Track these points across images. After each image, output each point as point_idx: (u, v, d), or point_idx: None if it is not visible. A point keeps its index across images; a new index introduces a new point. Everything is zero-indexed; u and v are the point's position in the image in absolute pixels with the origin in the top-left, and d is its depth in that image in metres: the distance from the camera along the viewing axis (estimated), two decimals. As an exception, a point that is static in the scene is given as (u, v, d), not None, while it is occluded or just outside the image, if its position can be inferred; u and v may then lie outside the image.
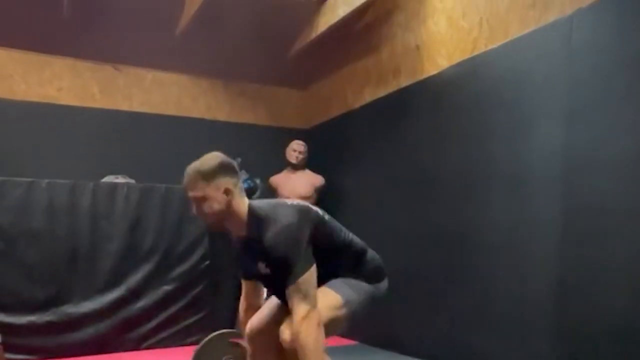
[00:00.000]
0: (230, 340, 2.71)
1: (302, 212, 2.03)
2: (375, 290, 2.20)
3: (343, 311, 2.05)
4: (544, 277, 2.90)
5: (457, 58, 3.59)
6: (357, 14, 4.42)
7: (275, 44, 4.95)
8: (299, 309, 1.92)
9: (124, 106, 4.91)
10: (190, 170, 2.02)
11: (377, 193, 4.36)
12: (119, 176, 4.53)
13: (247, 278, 2.32)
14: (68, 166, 4.46)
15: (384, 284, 2.27)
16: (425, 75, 3.88)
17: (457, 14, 3.62)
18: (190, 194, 2.02)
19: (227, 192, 2.00)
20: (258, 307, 2.32)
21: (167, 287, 4.38)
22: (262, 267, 2.08)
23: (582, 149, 2.70)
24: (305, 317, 1.91)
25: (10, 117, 4.47)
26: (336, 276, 2.13)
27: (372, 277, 2.21)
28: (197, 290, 4.49)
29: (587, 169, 2.67)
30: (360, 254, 2.21)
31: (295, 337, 1.93)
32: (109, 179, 4.47)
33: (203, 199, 2.00)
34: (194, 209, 2.06)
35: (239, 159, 4.81)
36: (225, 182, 2.00)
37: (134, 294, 4.27)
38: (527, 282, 3.00)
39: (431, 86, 3.80)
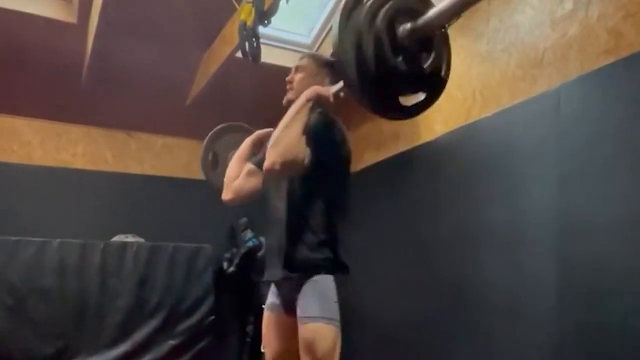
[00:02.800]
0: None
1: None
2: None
3: (338, 334, 1.91)
4: (543, 335, 2.89)
5: (453, 125, 3.71)
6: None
7: (280, 111, 5.08)
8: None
9: (135, 169, 5.01)
10: (312, 52, 2.16)
11: (377, 252, 4.37)
12: (129, 235, 4.58)
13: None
14: (80, 226, 4.51)
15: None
16: (422, 140, 3.99)
17: (451, 85, 3.73)
18: (299, 61, 2.14)
19: (320, 83, 2.03)
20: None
21: (172, 342, 4.35)
22: None
23: (574, 213, 2.75)
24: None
25: (26, 180, 4.56)
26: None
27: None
28: (202, 344, 4.45)
29: (579, 231, 2.71)
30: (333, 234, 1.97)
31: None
32: (119, 238, 4.51)
33: (302, 70, 2.11)
34: (289, 76, 2.14)
35: (245, 219, 4.87)
36: (326, 77, 2.06)
37: (141, 349, 4.23)
38: (527, 339, 2.99)
39: (428, 151, 3.90)
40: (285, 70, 4.88)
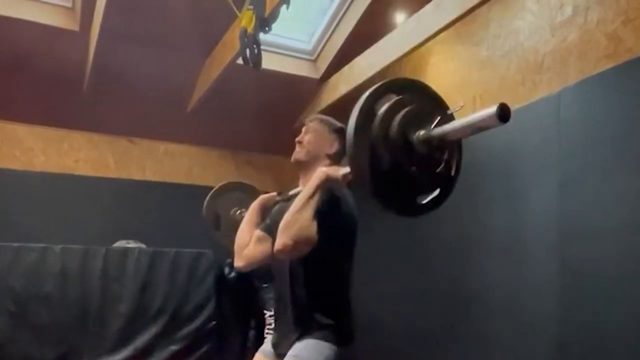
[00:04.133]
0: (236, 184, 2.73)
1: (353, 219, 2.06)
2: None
3: None
4: (544, 339, 2.87)
5: (453, 130, 3.69)
6: (357, 92, 4.57)
7: (281, 118, 5.09)
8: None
9: (138, 176, 4.98)
10: (322, 116, 2.24)
11: (378, 258, 4.34)
12: (130, 241, 4.55)
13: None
14: (82, 232, 4.48)
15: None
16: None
17: (452, 90, 3.76)
18: (308, 122, 2.19)
19: (329, 148, 2.10)
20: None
21: (174, 347, 4.31)
22: None
23: (575, 217, 2.74)
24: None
25: (28, 187, 4.52)
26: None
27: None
28: (204, 349, 4.40)
29: (580, 235, 2.70)
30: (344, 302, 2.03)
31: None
32: (120, 243, 4.49)
33: (312, 132, 2.14)
34: (300, 136, 2.17)
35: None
36: (335, 142, 2.12)
37: (142, 354, 4.19)
38: (528, 343, 2.97)
39: (429, 156, 3.87)
40: (286, 77, 4.93)
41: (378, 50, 3.97)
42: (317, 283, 1.99)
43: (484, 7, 3.24)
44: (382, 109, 1.48)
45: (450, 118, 1.51)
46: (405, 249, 4.05)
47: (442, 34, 3.37)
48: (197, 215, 4.86)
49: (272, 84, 4.66)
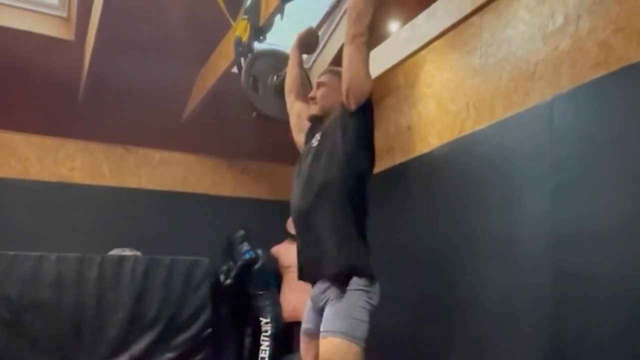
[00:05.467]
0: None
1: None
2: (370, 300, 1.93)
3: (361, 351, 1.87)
4: (539, 344, 2.87)
5: (447, 138, 3.71)
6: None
7: (276, 126, 5.07)
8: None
9: (133, 184, 4.96)
10: (332, 67, 2.31)
11: (374, 264, 4.34)
12: (126, 249, 4.53)
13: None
14: (77, 240, 4.45)
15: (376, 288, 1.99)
16: (417, 153, 3.99)
17: (445, 98, 3.77)
18: (318, 79, 2.24)
19: (342, 95, 2.09)
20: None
21: (169, 355, 4.28)
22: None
23: (569, 223, 2.74)
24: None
25: (23, 195, 4.49)
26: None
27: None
28: (199, 357, 4.38)
29: (574, 241, 2.70)
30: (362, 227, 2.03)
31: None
32: (116, 251, 4.47)
33: (323, 86, 2.20)
34: (312, 92, 2.25)
35: (242, 232, 4.84)
36: None
37: (138, 362, 4.17)
38: (522, 348, 2.96)
39: (423, 163, 3.89)
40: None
41: (372, 58, 3.93)
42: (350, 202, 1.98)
43: (477, 16, 3.25)
44: None
45: None
46: (400, 254, 4.05)
47: (435, 43, 3.38)
48: (192, 223, 4.92)
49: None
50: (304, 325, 2.17)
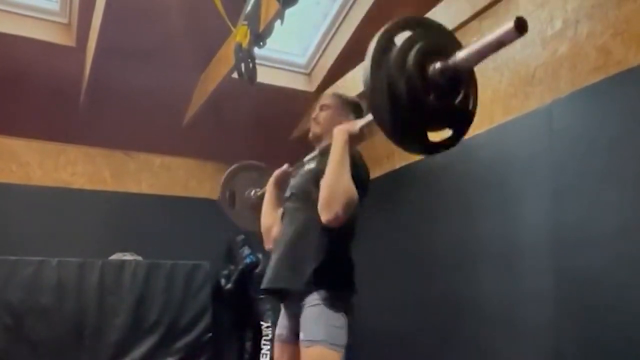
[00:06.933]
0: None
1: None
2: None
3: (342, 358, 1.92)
4: (540, 348, 2.85)
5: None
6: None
7: (275, 130, 5.08)
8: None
9: (134, 189, 4.95)
10: (336, 91, 2.31)
11: (373, 267, 4.32)
12: (127, 253, 4.53)
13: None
14: (78, 245, 4.44)
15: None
16: (417, 157, 3.96)
17: (444, 102, 3.75)
18: (322, 100, 2.22)
19: (344, 119, 2.10)
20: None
21: (171, 359, 4.28)
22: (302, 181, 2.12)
23: (568, 226, 2.73)
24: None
25: (25, 200, 4.49)
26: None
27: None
28: (200, 362, 4.39)
29: (574, 245, 2.69)
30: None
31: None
32: (117, 256, 4.46)
33: (326, 108, 2.17)
34: (314, 113, 2.20)
35: (242, 236, 4.83)
36: (350, 115, 2.15)
37: (139, 367, 4.16)
38: (523, 352, 2.95)
39: (423, 168, 3.87)
40: (280, 90, 4.92)
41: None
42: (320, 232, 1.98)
43: (476, 21, 3.25)
44: (398, 43, 1.44)
45: None
46: (399, 258, 4.04)
47: (434, 47, 3.37)
48: (193, 227, 4.90)
49: (267, 97, 4.65)
50: (278, 331, 2.18)
